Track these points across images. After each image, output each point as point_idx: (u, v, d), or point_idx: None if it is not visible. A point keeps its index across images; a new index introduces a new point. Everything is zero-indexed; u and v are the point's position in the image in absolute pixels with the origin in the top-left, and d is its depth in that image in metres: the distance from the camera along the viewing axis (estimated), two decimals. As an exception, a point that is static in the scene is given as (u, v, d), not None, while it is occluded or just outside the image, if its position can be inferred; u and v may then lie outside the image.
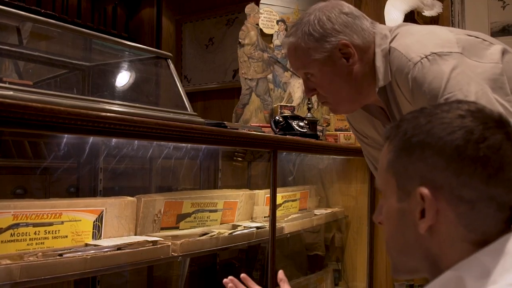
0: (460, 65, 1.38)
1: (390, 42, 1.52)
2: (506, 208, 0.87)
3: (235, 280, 1.59)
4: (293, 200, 3.10)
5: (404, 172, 0.91)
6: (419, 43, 1.46)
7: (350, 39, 1.54)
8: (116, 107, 1.67)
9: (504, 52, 1.46)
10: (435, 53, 1.40)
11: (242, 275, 1.59)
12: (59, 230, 1.73)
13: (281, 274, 1.59)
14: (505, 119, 0.91)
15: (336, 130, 3.47)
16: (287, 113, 3.19)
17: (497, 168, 0.85)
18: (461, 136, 0.86)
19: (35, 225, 1.66)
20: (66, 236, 1.76)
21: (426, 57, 1.40)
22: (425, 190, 0.87)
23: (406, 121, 0.94)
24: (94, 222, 1.85)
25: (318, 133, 3.05)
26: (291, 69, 3.71)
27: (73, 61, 2.27)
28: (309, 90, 1.66)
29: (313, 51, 1.56)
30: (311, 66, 1.59)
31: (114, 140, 1.96)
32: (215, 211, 2.45)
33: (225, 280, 1.58)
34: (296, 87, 3.70)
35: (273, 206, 2.44)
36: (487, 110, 0.91)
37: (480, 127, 0.86)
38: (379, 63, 1.53)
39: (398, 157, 0.92)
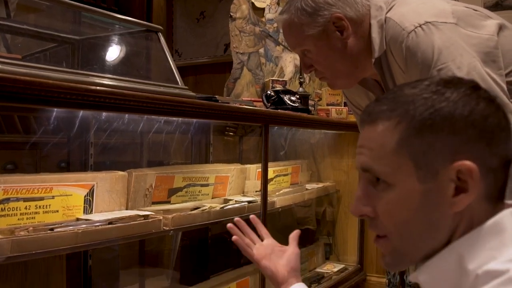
0: (454, 35, 1.37)
1: (387, 13, 1.51)
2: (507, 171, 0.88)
3: (242, 222, 1.51)
4: (284, 175, 3.10)
5: (429, 150, 0.86)
6: (414, 12, 1.45)
7: (343, 12, 1.53)
8: (107, 81, 1.66)
9: (502, 27, 1.45)
10: (429, 22, 1.39)
11: (252, 216, 1.56)
12: (50, 205, 1.73)
13: (296, 234, 1.50)
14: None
15: (327, 104, 3.47)
16: (278, 87, 3.18)
17: (509, 132, 0.87)
18: (485, 106, 0.86)
19: (25, 199, 1.66)
20: (57, 211, 1.76)
21: (420, 26, 1.39)
22: (468, 163, 0.83)
23: (415, 99, 0.88)
24: (85, 196, 1.85)
25: (309, 107, 3.05)
26: (283, 44, 3.69)
27: (63, 35, 2.24)
28: (306, 67, 1.66)
29: (307, 27, 1.55)
30: (306, 42, 1.58)
31: (104, 114, 1.95)
32: (207, 185, 2.45)
33: (229, 225, 1.48)
34: (288, 61, 3.68)
35: (265, 181, 2.44)
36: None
37: (490, 97, 0.89)
38: (375, 34, 1.52)
39: (415, 135, 0.87)
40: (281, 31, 3.69)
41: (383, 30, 1.51)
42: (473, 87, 0.89)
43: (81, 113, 1.87)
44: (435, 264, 0.87)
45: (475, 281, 0.80)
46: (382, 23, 1.51)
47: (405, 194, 0.88)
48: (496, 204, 0.88)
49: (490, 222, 0.85)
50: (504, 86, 1.36)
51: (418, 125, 0.87)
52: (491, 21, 1.46)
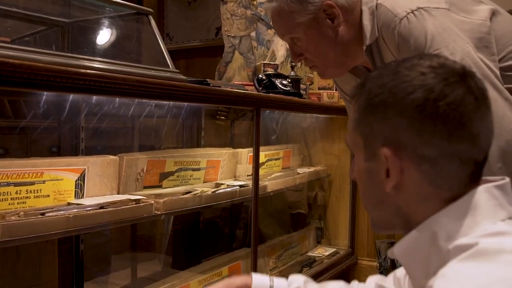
0: (447, 21, 1.36)
1: None
2: (470, 163, 0.87)
3: None
4: (276, 159, 3.11)
5: (370, 132, 0.92)
6: None
7: None
8: (97, 64, 1.64)
9: (495, 12, 1.44)
10: (421, 8, 1.38)
11: None
12: (40, 190, 1.72)
13: None
14: (468, 72, 0.90)
15: (319, 88, 3.46)
16: (270, 71, 3.17)
17: (457, 124, 0.85)
18: (421, 95, 0.86)
19: (16, 184, 1.65)
20: (48, 196, 1.75)
21: (412, 12, 1.38)
22: (387, 151, 0.88)
23: (370, 80, 0.93)
24: (76, 181, 1.84)
25: (301, 91, 3.04)
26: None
27: (52, 17, 2.22)
28: (296, 56, 1.63)
29: (297, 14, 1.53)
30: (296, 30, 1.55)
31: (95, 98, 1.93)
32: (198, 169, 2.45)
33: None
34: (280, 45, 3.66)
35: (256, 165, 2.44)
36: (450, 64, 0.90)
37: (440, 84, 0.86)
38: (366, 21, 1.50)
39: (364, 117, 0.93)
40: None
41: (374, 17, 1.49)
42: (423, 73, 0.88)
43: (71, 97, 1.86)
44: (409, 240, 0.91)
45: (446, 255, 0.83)
46: (373, 9, 1.50)
47: (359, 168, 0.98)
48: (459, 191, 0.88)
49: (463, 199, 0.87)
50: (497, 71, 1.35)
51: (364, 106, 0.92)
52: (484, 6, 1.45)
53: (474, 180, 0.89)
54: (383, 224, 0.98)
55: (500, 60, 1.40)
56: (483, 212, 0.85)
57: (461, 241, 0.82)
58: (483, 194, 0.87)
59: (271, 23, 3.56)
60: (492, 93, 1.29)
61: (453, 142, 0.85)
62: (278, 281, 1.27)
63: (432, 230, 0.87)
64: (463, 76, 0.88)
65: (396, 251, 0.94)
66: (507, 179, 0.90)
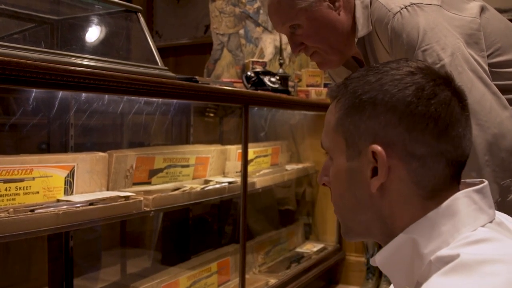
0: (438, 17, 1.39)
1: None
2: (454, 164, 0.88)
3: None
4: (264, 156, 3.12)
5: (355, 130, 0.90)
6: None
7: None
8: (86, 61, 1.65)
9: (483, 9, 1.47)
10: (414, 3, 1.40)
11: None
12: (30, 186, 1.73)
13: None
14: (451, 76, 0.91)
15: (307, 86, 3.48)
16: (258, 68, 3.18)
17: (446, 124, 0.86)
18: (413, 92, 0.86)
19: (5, 181, 1.65)
20: (38, 192, 1.76)
21: (405, 7, 1.41)
22: (377, 147, 0.86)
23: (354, 80, 0.93)
24: (65, 178, 1.85)
25: (289, 88, 3.06)
26: (263, 25, 3.68)
27: (41, 15, 2.22)
28: (296, 46, 1.61)
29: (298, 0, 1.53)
30: (298, 16, 1.54)
31: (84, 95, 1.94)
32: (187, 166, 2.46)
33: None
34: (268, 43, 3.68)
35: (245, 162, 2.46)
36: (434, 68, 0.92)
37: (430, 84, 0.87)
38: (359, 14, 1.52)
39: (348, 116, 0.91)
40: (261, 12, 3.69)
41: (367, 10, 1.51)
42: (412, 72, 0.89)
43: (60, 94, 1.87)
44: (391, 248, 0.90)
45: (428, 266, 0.83)
46: (366, 4, 1.52)
47: (338, 169, 0.95)
48: (441, 192, 0.88)
49: (443, 205, 0.86)
50: (486, 67, 1.38)
51: (350, 105, 0.91)
52: (473, 3, 1.47)
53: (454, 181, 0.90)
54: (360, 230, 0.96)
55: (488, 57, 1.43)
56: (463, 218, 0.85)
57: (442, 252, 0.82)
58: (463, 199, 0.87)
59: (259, 21, 3.58)
60: (480, 87, 1.32)
61: (441, 142, 0.86)
62: None
63: (413, 237, 0.86)
64: (448, 80, 0.89)
65: (378, 260, 0.93)
66: (486, 182, 0.91)
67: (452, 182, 0.89)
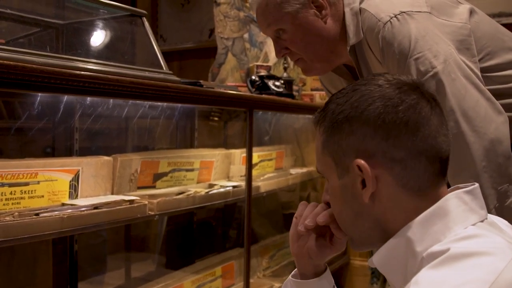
0: (429, 24, 1.38)
1: (360, 2, 1.51)
2: (435, 160, 0.92)
3: None
4: (269, 160, 3.12)
5: (339, 149, 0.95)
6: (388, 2, 1.45)
7: None
8: (91, 66, 1.66)
9: (472, 12, 1.47)
10: (404, 12, 1.40)
11: None
12: (35, 190, 1.73)
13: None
14: (418, 82, 0.96)
15: (312, 89, 3.48)
16: (263, 72, 3.18)
17: (417, 125, 0.91)
18: (381, 103, 0.91)
19: (10, 185, 1.66)
20: (43, 196, 1.76)
21: (395, 16, 1.40)
22: (360, 161, 0.91)
23: (330, 103, 0.99)
24: (70, 181, 1.85)
25: (294, 92, 3.06)
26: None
27: (47, 19, 2.23)
28: (280, 50, 1.61)
29: (285, 4, 1.52)
30: (283, 20, 1.54)
31: (89, 99, 1.95)
32: (192, 170, 2.46)
33: None
34: (272, 47, 3.68)
35: (249, 165, 2.46)
36: (402, 77, 0.97)
37: (396, 92, 0.92)
38: (349, 21, 1.52)
39: (330, 137, 0.96)
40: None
41: (357, 18, 1.50)
42: (379, 85, 0.94)
43: (65, 98, 1.87)
44: (387, 248, 0.94)
45: (420, 263, 0.87)
46: (356, 11, 1.50)
47: (333, 188, 1.00)
48: (428, 190, 0.93)
49: (435, 206, 0.91)
50: (479, 73, 1.38)
51: (329, 126, 0.97)
52: (462, 7, 1.46)
53: (440, 177, 0.94)
54: (363, 240, 1.01)
55: (479, 61, 1.42)
56: (454, 218, 0.90)
57: (434, 249, 0.86)
58: (453, 200, 0.92)
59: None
60: (474, 94, 1.32)
61: (417, 142, 0.91)
62: None
63: (407, 237, 0.91)
64: (414, 85, 0.95)
65: (375, 261, 0.97)
66: (476, 184, 0.95)
67: (437, 179, 0.94)
